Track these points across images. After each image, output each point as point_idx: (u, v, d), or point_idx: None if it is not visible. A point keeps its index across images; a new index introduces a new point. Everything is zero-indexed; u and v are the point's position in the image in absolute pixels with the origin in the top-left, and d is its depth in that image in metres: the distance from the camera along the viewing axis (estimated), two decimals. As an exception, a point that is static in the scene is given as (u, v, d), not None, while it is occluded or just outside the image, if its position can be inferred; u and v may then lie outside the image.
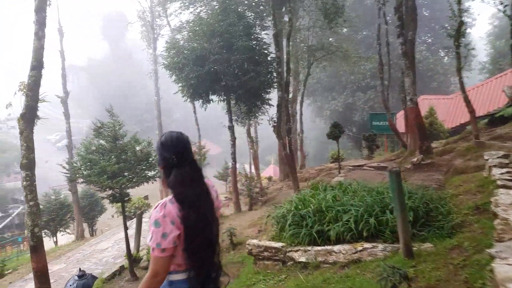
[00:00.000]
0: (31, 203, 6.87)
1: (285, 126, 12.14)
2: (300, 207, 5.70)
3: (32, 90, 6.99)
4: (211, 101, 12.76)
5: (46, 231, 18.00)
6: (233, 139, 12.28)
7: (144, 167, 8.62)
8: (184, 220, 1.88)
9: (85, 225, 19.46)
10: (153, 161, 8.95)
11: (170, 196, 1.95)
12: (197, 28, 11.66)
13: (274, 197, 12.90)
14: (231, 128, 12.37)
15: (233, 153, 12.29)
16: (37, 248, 6.91)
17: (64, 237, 19.74)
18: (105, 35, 65.42)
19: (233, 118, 12.89)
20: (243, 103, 12.62)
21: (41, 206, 18.04)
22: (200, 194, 1.97)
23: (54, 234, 18.06)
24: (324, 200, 5.63)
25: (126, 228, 8.91)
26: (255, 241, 5.74)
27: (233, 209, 13.19)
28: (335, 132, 11.21)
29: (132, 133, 9.04)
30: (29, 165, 6.89)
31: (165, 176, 2.01)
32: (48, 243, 22.26)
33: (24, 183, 6.86)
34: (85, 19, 79.09)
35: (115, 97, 48.17)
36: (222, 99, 12.54)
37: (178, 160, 1.98)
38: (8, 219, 30.97)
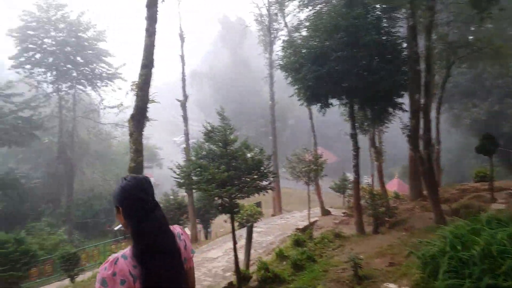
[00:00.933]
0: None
1: (423, 136, 10.10)
2: (458, 247, 4.12)
3: (142, 90, 6.68)
4: (331, 105, 11.43)
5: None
6: (356, 148, 10.73)
7: (255, 176, 7.78)
8: (142, 281, 1.71)
9: (200, 227, 19.98)
10: (265, 170, 8.07)
11: (125, 250, 1.82)
12: (318, 22, 10.48)
13: (405, 220, 10.88)
14: (353, 136, 10.85)
15: (356, 165, 10.74)
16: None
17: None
18: (224, 42, 69.16)
19: (356, 124, 11.32)
20: (369, 108, 10.97)
21: (161, 205, 19.29)
22: (163, 249, 1.79)
23: (170, 233, 18.82)
24: (494, 240, 3.97)
25: (235, 243, 8.18)
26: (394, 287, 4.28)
27: (354, 229, 11.58)
28: (487, 146, 8.83)
29: (244, 138, 8.28)
30: (137, 168, 6.57)
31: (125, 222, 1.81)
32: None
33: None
34: (207, 26, 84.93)
35: (233, 103, 50.24)
36: (343, 102, 11.11)
37: (151, 205, 1.84)
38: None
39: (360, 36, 9.94)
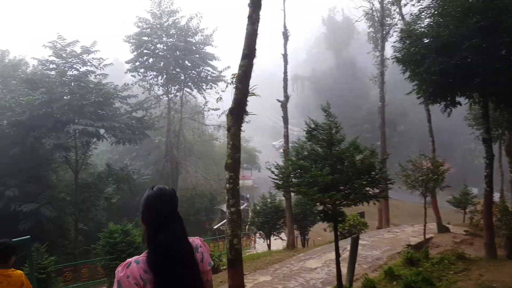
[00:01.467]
0: (232, 209, 6.04)
1: None
2: None
3: (242, 82, 6.20)
4: (458, 105, 9.73)
5: (261, 232, 18.75)
6: (491, 156, 8.89)
7: (364, 182, 6.78)
8: (155, 286, 1.84)
9: (297, 233, 19.29)
10: (376, 176, 7.01)
11: (141, 255, 1.96)
12: (447, 6, 8.95)
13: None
14: (487, 141, 9.04)
15: (489, 176, 8.91)
16: (234, 263, 6.03)
17: (277, 242, 20.09)
18: (329, 44, 67.57)
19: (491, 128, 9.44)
20: (509, 108, 9.04)
21: (257, 207, 19.08)
22: (175, 260, 1.89)
23: (268, 236, 18.52)
24: None
25: (338, 255, 7.29)
26: None
27: (481, 251, 9.72)
28: None
29: (353, 137, 7.34)
30: (233, 166, 6.10)
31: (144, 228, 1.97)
32: (261, 245, 23.63)
33: (227, 185, 6.08)
34: (306, 27, 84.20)
35: (336, 107, 48.55)
36: (476, 101, 9.34)
37: (166, 218, 1.94)
38: (229, 214, 34.93)
39: (501, 19, 8.19)
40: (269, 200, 18.00)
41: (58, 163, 24.68)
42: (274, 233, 18.38)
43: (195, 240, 2.14)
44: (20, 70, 23.82)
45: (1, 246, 4.20)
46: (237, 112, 6.27)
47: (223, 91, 26.51)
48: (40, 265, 11.13)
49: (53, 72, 21.31)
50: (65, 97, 21.15)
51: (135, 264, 1.93)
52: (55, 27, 63.16)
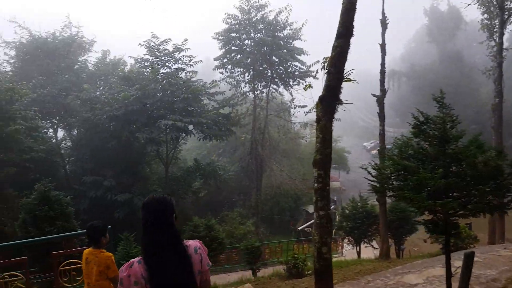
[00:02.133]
0: (321, 212, 5.29)
1: None
2: None
3: (335, 66, 5.40)
4: None
5: (350, 238, 17.56)
6: None
7: (488, 189, 5.50)
8: (149, 282, 2.10)
9: (391, 242, 17.69)
10: (503, 182, 5.68)
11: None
12: None
13: None
14: None
15: None
16: (323, 274, 5.27)
17: (367, 250, 18.70)
18: (432, 37, 62.21)
19: None
20: None
21: (346, 211, 17.89)
22: (169, 259, 2.15)
23: (357, 243, 17.29)
24: None
25: (450, 274, 6.12)
26: None
27: None
28: None
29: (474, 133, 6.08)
30: (323, 162, 5.34)
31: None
32: (349, 251, 22.21)
33: (315, 185, 5.35)
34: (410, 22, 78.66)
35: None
36: None
37: (152, 222, 2.22)
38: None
39: None
40: (359, 204, 16.75)
41: (150, 156, 26.19)
42: (365, 239, 17.08)
43: (194, 243, 2.36)
44: (119, 69, 25.73)
45: (90, 227, 4.58)
46: (329, 101, 5.48)
47: (311, 87, 25.94)
48: (128, 254, 11.57)
49: (147, 70, 22.55)
50: (157, 94, 22.29)
51: (137, 264, 2.17)
52: (151, 26, 67.79)
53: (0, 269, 6.01)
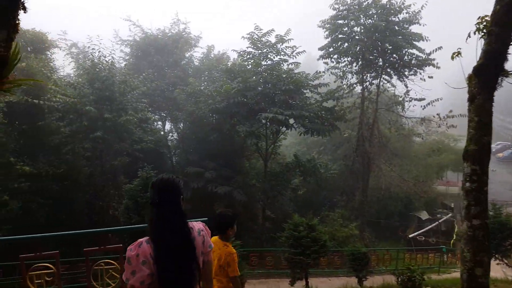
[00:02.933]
0: (474, 222, 4.03)
1: None
2: None
3: (501, 25, 4.05)
4: None
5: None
6: None
7: None
8: (155, 261, 2.22)
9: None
10: None
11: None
12: None
13: None
14: None
15: None
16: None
17: (497, 268, 16.01)
18: None
19: None
20: None
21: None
22: (173, 241, 2.28)
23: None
24: None
25: None
26: None
27: None
28: None
29: None
30: (479, 154, 4.07)
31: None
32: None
33: (468, 184, 4.10)
34: None
35: None
36: None
37: (159, 201, 2.36)
38: (434, 224, 30.66)
39: None
40: (491, 213, 14.25)
41: (250, 151, 26.27)
42: (496, 255, 14.53)
43: (197, 225, 2.56)
44: (222, 64, 26.29)
45: (218, 215, 4.51)
46: (489, 71, 4.15)
47: (431, 77, 23.27)
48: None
49: (249, 62, 22.45)
50: (259, 87, 22.05)
51: (145, 244, 2.30)
52: (254, 19, 68.53)
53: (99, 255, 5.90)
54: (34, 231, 18.47)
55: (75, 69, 24.00)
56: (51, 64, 22.20)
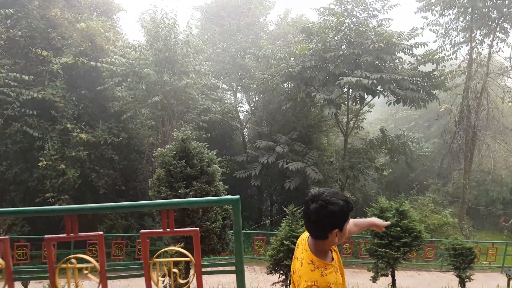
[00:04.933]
0: None
1: None
2: None
3: None
4: None
5: None
6: None
7: None
8: None
9: None
10: None
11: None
12: None
13: None
14: None
15: None
16: None
17: None
18: None
19: None
20: None
21: None
22: None
23: None
24: None
25: None
26: None
27: None
28: None
29: None
30: None
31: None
32: None
33: None
34: None
35: None
36: None
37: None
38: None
39: None
40: None
41: (326, 125, 22.96)
42: None
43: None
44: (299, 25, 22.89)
45: (319, 204, 2.25)
46: None
47: None
48: (293, 232, 8.58)
49: (331, 19, 18.72)
50: (340, 48, 18.40)
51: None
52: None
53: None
54: (95, 201, 17.56)
55: (143, 34, 22.40)
56: (117, 28, 20.72)
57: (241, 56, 24.09)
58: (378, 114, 33.64)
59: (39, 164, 14.83)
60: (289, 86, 20.78)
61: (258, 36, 25.42)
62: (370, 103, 21.27)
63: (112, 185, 17.06)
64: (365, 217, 10.78)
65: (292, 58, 18.95)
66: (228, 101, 25.45)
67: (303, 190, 19.54)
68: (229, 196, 2.81)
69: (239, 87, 25.35)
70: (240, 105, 26.94)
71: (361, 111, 21.12)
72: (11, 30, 15.38)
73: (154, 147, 18.48)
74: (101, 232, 2.40)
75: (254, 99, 25.00)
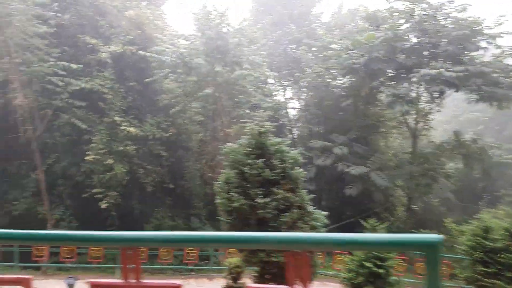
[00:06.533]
0: None
1: None
2: None
3: None
4: None
5: None
6: None
7: None
8: None
9: None
10: None
11: None
12: None
13: None
14: None
15: None
16: None
17: None
18: None
19: None
20: None
21: None
22: None
23: None
24: None
25: None
26: None
27: None
28: None
29: None
30: None
31: None
32: None
33: None
34: None
35: None
36: None
37: None
38: None
39: None
40: None
41: (387, 126, 21.03)
42: None
43: None
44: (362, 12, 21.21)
45: None
46: None
47: None
48: (376, 254, 7.12)
49: (402, 4, 16.93)
50: (412, 36, 16.60)
51: None
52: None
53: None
54: (142, 199, 16.82)
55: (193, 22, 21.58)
56: (165, 18, 19.96)
57: (293, 48, 22.73)
58: (439, 115, 31.08)
59: (87, 158, 14.29)
60: (350, 80, 19.14)
61: (311, 26, 23.94)
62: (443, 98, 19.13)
63: (159, 183, 16.22)
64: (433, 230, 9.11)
65: (349, 51, 17.21)
66: (278, 96, 24.07)
67: (364, 198, 17.84)
68: (422, 236, 1.40)
69: (290, 81, 23.91)
70: (289, 101, 25.52)
71: (440, 104, 18.92)
72: (59, 15, 14.82)
73: (203, 144, 17.53)
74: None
75: (306, 94, 23.44)
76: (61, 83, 14.45)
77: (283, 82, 24.15)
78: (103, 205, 14.06)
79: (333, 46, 19.26)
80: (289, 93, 25.35)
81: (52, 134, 15.10)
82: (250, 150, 6.51)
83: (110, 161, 14.59)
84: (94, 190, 14.41)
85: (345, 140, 17.95)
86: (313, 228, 6.16)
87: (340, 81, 20.65)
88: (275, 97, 22.55)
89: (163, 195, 16.84)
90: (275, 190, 6.17)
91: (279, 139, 6.77)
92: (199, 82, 15.82)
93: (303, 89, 23.13)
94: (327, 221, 6.58)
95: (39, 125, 14.48)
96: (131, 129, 15.05)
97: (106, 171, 14.74)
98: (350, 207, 17.92)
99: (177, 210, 16.87)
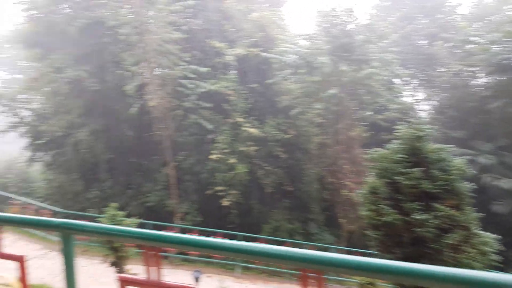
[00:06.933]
0: None
1: None
2: None
3: None
4: None
5: None
6: None
7: None
8: None
9: None
10: None
11: None
12: None
13: None
14: None
15: None
16: None
17: None
18: None
19: None
20: None
21: None
22: None
23: None
24: None
25: None
26: None
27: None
28: None
29: None
30: None
31: None
32: None
33: None
34: None
35: None
36: None
37: None
38: None
39: None
40: None
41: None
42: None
43: None
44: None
45: None
46: None
47: None
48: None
49: None
50: None
51: None
52: None
53: None
54: (261, 199, 16.84)
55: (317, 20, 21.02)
56: (285, 19, 19.79)
57: (425, 43, 20.58)
58: None
59: (211, 157, 14.71)
60: (497, 79, 16.49)
61: (447, 19, 21.42)
62: None
63: (278, 184, 16.01)
64: None
65: (493, 47, 14.70)
66: (406, 97, 22.08)
67: (514, 216, 15.13)
68: None
69: (420, 80, 21.73)
70: (419, 102, 23.23)
71: None
72: (191, 20, 15.61)
73: (322, 147, 16.83)
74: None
75: (441, 95, 21.00)
76: (190, 86, 15.25)
77: (412, 81, 22.08)
78: (225, 202, 14.37)
79: (475, 39, 16.87)
80: (419, 93, 23.15)
81: (181, 133, 16.03)
82: (403, 157, 5.55)
83: (232, 160, 14.86)
84: (217, 188, 14.82)
85: (492, 148, 15.44)
86: (483, 254, 4.97)
87: (482, 80, 18.03)
88: (403, 98, 20.70)
89: (281, 197, 16.61)
90: (437, 205, 5.11)
91: (441, 145, 5.63)
92: (322, 83, 15.14)
93: (436, 89, 20.76)
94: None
95: (171, 124, 15.44)
96: (252, 130, 15.13)
97: (229, 170, 15.08)
98: (493, 225, 15.35)
99: (295, 213, 16.50)
